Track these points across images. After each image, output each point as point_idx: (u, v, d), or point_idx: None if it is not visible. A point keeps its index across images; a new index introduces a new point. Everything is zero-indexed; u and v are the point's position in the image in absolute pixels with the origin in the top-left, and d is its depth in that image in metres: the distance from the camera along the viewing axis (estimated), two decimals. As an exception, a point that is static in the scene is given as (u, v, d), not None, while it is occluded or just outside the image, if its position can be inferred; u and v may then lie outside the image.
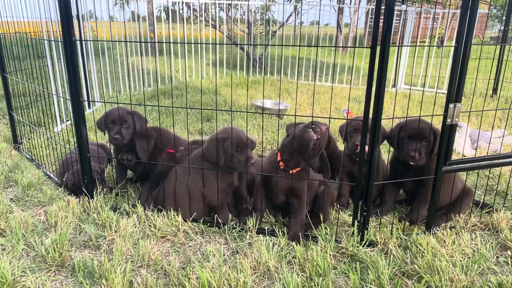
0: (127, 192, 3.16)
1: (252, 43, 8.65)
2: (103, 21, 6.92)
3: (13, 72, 4.05)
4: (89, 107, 5.71)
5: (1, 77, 4.08)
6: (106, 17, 7.16)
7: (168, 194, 2.74)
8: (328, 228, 2.64)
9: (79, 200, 2.93)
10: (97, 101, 6.12)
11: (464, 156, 4.15)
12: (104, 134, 3.25)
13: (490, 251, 2.41)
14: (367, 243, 2.44)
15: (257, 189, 2.83)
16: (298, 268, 2.25)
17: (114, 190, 3.10)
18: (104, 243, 2.45)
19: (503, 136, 4.54)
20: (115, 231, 2.53)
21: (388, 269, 2.17)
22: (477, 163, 2.59)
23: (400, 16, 7.94)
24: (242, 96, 7.07)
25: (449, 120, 2.33)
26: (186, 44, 8.61)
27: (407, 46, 8.10)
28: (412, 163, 2.64)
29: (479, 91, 7.66)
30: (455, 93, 2.29)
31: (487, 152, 3.15)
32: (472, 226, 2.71)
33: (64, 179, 3.15)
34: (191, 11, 9.23)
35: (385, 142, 2.91)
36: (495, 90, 7.28)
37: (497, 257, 2.42)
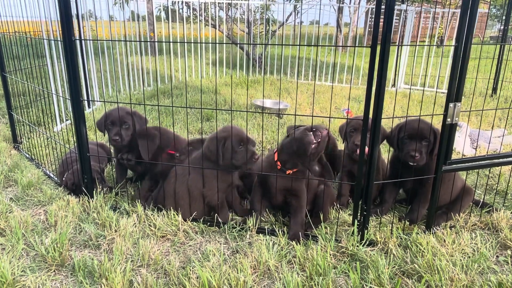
0: (127, 192, 3.15)
1: (252, 43, 8.63)
2: (102, 20, 6.92)
3: (13, 72, 4.05)
4: (88, 107, 5.71)
5: (0, 77, 4.08)
6: (105, 16, 7.16)
7: (168, 193, 2.74)
8: (328, 228, 2.64)
9: (79, 200, 2.93)
10: (97, 101, 6.11)
11: (464, 155, 4.15)
12: (104, 135, 3.25)
13: (490, 251, 2.41)
14: (367, 242, 2.44)
15: (254, 189, 2.83)
16: (298, 267, 2.25)
17: (114, 190, 3.10)
18: (104, 243, 2.45)
19: (503, 135, 4.54)
20: (115, 231, 2.53)
21: (388, 268, 2.17)
22: (477, 162, 2.59)
23: (400, 15, 7.94)
24: (242, 96, 7.07)
25: (449, 119, 2.34)
26: (186, 44, 8.61)
27: (407, 45, 8.10)
28: (412, 164, 2.64)
29: (479, 90, 7.66)
30: (455, 93, 2.29)
31: (487, 152, 3.15)
32: (472, 226, 2.71)
33: (64, 178, 3.15)
34: (191, 11, 9.22)
35: (385, 141, 2.91)
36: (495, 89, 7.28)
37: (497, 256, 2.42)
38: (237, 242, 2.51)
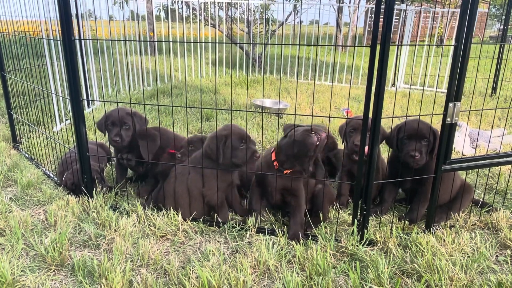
0: (126, 192, 3.15)
1: (251, 42, 8.65)
2: (102, 20, 6.91)
3: (12, 71, 4.05)
4: (88, 106, 5.70)
5: (0, 76, 4.08)
6: (105, 16, 7.15)
7: (168, 193, 2.74)
8: (328, 227, 2.64)
9: (79, 200, 2.93)
10: (97, 100, 6.11)
11: (464, 155, 4.15)
12: (104, 136, 3.25)
13: (489, 250, 2.41)
14: (367, 242, 2.44)
15: (252, 189, 2.83)
16: (298, 267, 2.25)
17: (113, 190, 3.10)
18: (103, 243, 2.45)
19: (503, 135, 4.54)
20: (115, 231, 2.53)
21: (388, 268, 2.17)
22: (477, 162, 2.60)
23: (400, 15, 7.94)
24: (242, 95, 7.07)
25: (448, 119, 2.34)
26: (185, 43, 8.60)
27: (407, 45, 8.10)
28: (412, 164, 2.64)
29: (479, 90, 7.66)
30: (454, 92, 2.29)
31: (487, 151, 3.15)
32: (471, 225, 2.72)
33: (63, 178, 3.15)
34: (191, 10, 9.22)
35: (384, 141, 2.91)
36: (494, 89, 7.28)
37: (497, 256, 2.42)
38: (237, 242, 2.51)
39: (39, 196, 3.03)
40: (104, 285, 2.04)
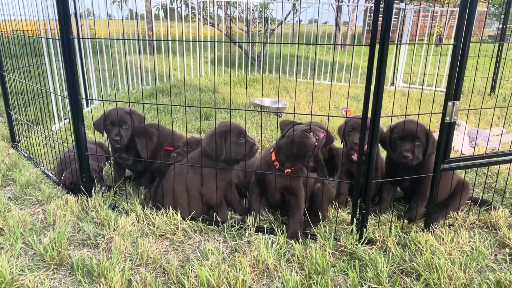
0: (125, 191, 3.15)
1: (250, 41, 8.64)
2: (101, 19, 6.89)
3: (11, 70, 4.04)
4: (87, 105, 5.70)
5: (-2, 75, 4.07)
6: (104, 15, 7.14)
7: (166, 192, 2.74)
8: (327, 226, 2.64)
9: (78, 199, 2.92)
10: (95, 99, 6.10)
11: (463, 154, 4.16)
12: (103, 136, 3.24)
13: (488, 249, 2.41)
14: (366, 241, 2.44)
15: (251, 188, 2.83)
16: (297, 266, 2.25)
17: (112, 189, 3.09)
18: (102, 242, 2.45)
19: (501, 134, 4.55)
20: (114, 230, 2.53)
21: (387, 266, 2.18)
22: (476, 161, 2.60)
23: (399, 14, 7.94)
24: (241, 94, 7.06)
25: (447, 118, 2.34)
26: (184, 42, 8.59)
27: (406, 44, 8.10)
28: (406, 163, 2.65)
29: (478, 89, 7.67)
30: (453, 91, 2.29)
31: (486, 150, 3.16)
32: (470, 224, 2.72)
33: (62, 177, 3.14)
34: (189, 9, 9.20)
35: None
36: (493, 88, 7.30)
37: (496, 254, 2.42)
38: (236, 241, 2.51)
39: (38, 195, 3.03)
40: (103, 284, 2.04)
